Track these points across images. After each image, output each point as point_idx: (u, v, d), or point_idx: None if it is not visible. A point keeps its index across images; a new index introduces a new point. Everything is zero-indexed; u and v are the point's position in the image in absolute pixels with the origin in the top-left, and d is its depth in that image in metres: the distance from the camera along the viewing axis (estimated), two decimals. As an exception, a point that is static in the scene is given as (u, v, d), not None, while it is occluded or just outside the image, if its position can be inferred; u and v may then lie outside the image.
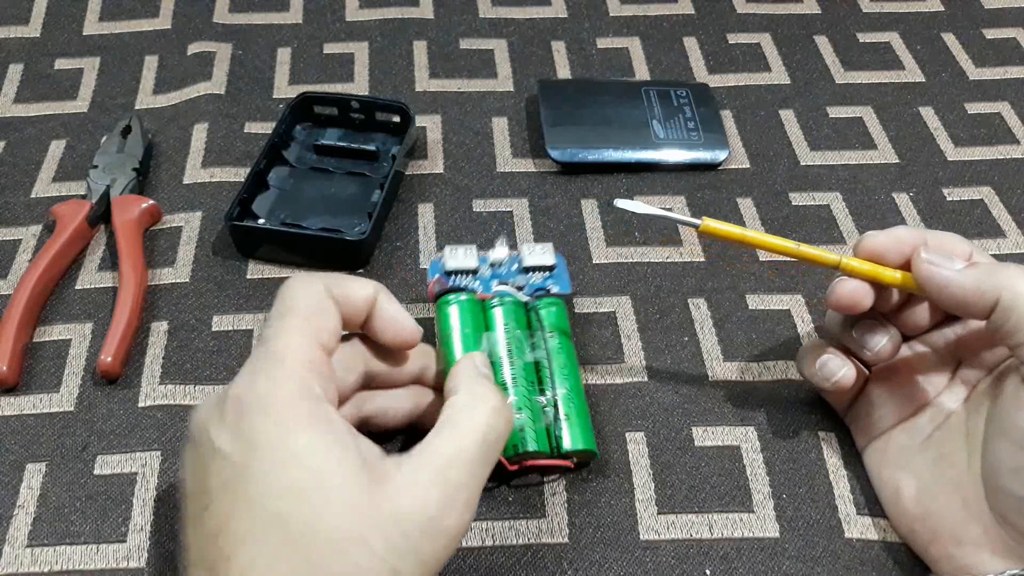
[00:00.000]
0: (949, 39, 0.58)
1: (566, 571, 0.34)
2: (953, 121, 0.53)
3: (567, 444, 0.35)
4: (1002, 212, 0.48)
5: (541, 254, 0.40)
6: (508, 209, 0.47)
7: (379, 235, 0.45)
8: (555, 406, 0.36)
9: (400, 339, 0.34)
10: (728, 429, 0.39)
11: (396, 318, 0.33)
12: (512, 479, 0.37)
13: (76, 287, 0.43)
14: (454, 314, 0.37)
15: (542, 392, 0.37)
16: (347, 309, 0.32)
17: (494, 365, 0.36)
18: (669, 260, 0.45)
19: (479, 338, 0.37)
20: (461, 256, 0.39)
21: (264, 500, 0.26)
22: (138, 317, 0.41)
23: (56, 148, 0.49)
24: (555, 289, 0.40)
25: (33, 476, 0.37)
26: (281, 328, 0.30)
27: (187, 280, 0.43)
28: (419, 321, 0.34)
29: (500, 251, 0.40)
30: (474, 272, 0.39)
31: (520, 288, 0.39)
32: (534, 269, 0.40)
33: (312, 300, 0.31)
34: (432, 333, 0.38)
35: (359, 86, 0.54)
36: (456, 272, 0.39)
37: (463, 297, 0.38)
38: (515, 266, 0.40)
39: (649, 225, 0.46)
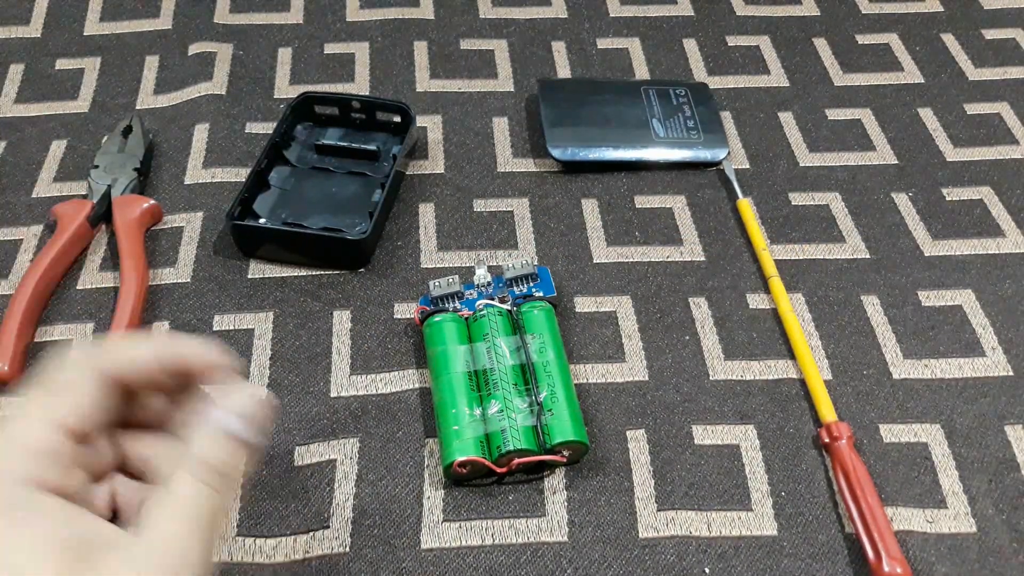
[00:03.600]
0: (948, 40, 0.58)
1: (565, 569, 0.35)
2: (952, 122, 0.53)
3: (553, 438, 0.36)
4: (1001, 212, 0.48)
5: (523, 267, 0.42)
6: (509, 209, 0.47)
7: (380, 234, 0.46)
8: (538, 404, 0.37)
9: (206, 365, 0.31)
10: (728, 428, 0.39)
11: (188, 349, 0.31)
12: (506, 479, 0.37)
13: (77, 287, 0.43)
14: (436, 332, 0.39)
15: (528, 392, 0.37)
16: (130, 375, 0.30)
17: (478, 373, 0.38)
18: (670, 259, 0.45)
19: (462, 351, 0.38)
20: (445, 286, 0.41)
21: None
22: (139, 317, 0.41)
23: (57, 148, 0.50)
24: (538, 293, 0.42)
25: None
26: (26, 405, 0.28)
27: (188, 280, 0.44)
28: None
29: (482, 275, 0.42)
30: (459, 296, 0.41)
31: (503, 300, 0.41)
32: (518, 281, 0.42)
33: (64, 376, 0.29)
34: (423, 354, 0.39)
35: (360, 86, 0.54)
36: (441, 298, 0.41)
37: (446, 316, 0.40)
38: (500, 284, 0.42)
39: (649, 224, 0.47)
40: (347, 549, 0.35)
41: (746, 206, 0.47)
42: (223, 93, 0.53)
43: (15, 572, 0.25)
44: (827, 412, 0.39)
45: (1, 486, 0.26)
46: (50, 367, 0.29)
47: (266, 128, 0.50)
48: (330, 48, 0.56)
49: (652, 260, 0.45)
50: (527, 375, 0.38)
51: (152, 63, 0.55)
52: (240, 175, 0.48)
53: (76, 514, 0.27)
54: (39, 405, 0.28)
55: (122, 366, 0.30)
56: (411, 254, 0.45)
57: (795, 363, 0.41)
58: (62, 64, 0.55)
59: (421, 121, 0.51)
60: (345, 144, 0.48)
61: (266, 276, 0.44)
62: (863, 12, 0.60)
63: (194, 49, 0.55)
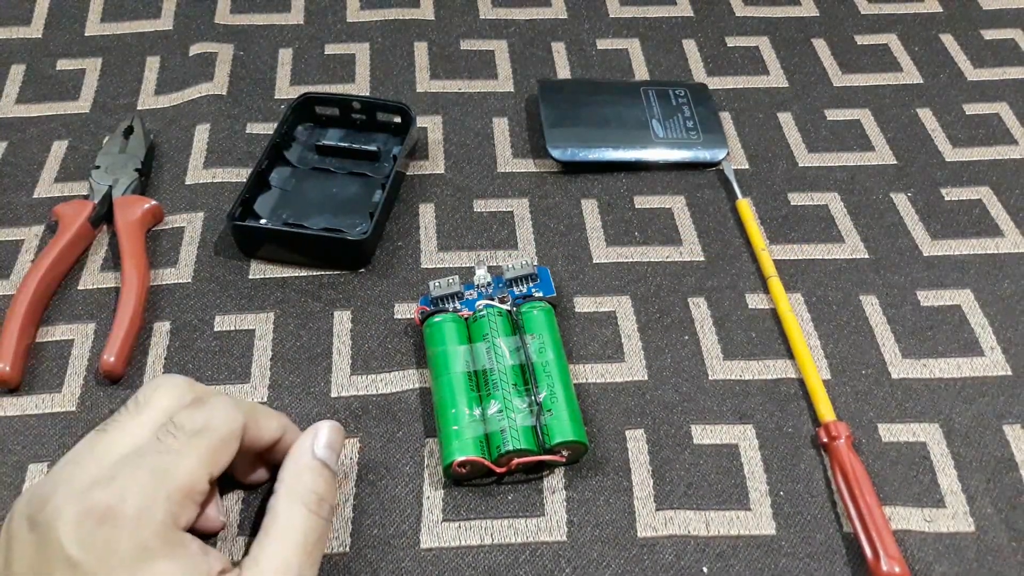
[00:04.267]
0: (947, 40, 0.58)
1: (564, 569, 0.35)
2: (951, 122, 0.53)
3: (553, 438, 0.36)
4: (1000, 212, 0.48)
5: (523, 267, 0.42)
6: (509, 209, 0.47)
7: (380, 235, 0.46)
8: (537, 404, 0.37)
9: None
10: (727, 427, 0.39)
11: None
12: (505, 479, 0.37)
13: (78, 287, 0.43)
14: (436, 332, 0.39)
15: (528, 392, 0.37)
16: (249, 441, 0.32)
17: (477, 374, 0.38)
18: (669, 259, 0.45)
19: (462, 351, 0.39)
20: (445, 286, 0.41)
21: None
22: (140, 317, 0.41)
23: (58, 148, 0.50)
24: (538, 294, 0.42)
25: (36, 477, 0.37)
26: (188, 447, 0.29)
27: (189, 280, 0.44)
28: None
29: (482, 275, 0.42)
30: (459, 296, 0.41)
31: (503, 300, 0.41)
32: (518, 281, 0.42)
33: (230, 429, 0.31)
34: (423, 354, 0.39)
35: (360, 87, 0.54)
36: (441, 298, 0.41)
37: (446, 316, 0.40)
38: (500, 285, 0.42)
39: (649, 225, 0.47)
40: (347, 549, 0.35)
41: (745, 206, 0.47)
42: (224, 94, 0.53)
43: None
44: (826, 412, 0.39)
45: (172, 529, 0.28)
46: (215, 412, 0.31)
47: (267, 128, 0.51)
48: (330, 49, 0.56)
49: (651, 260, 0.45)
50: (527, 375, 0.38)
51: (153, 64, 0.55)
52: (241, 175, 0.48)
53: (206, 549, 0.29)
54: (202, 451, 0.30)
55: (256, 437, 0.32)
56: (411, 254, 0.45)
57: (794, 363, 0.41)
58: (63, 64, 0.55)
59: (421, 121, 0.52)
60: (346, 145, 0.49)
61: (267, 276, 0.44)
62: (862, 13, 0.60)
63: (195, 50, 0.55)
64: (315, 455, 0.32)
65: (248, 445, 0.32)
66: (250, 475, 0.35)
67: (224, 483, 0.36)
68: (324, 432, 0.33)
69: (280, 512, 0.30)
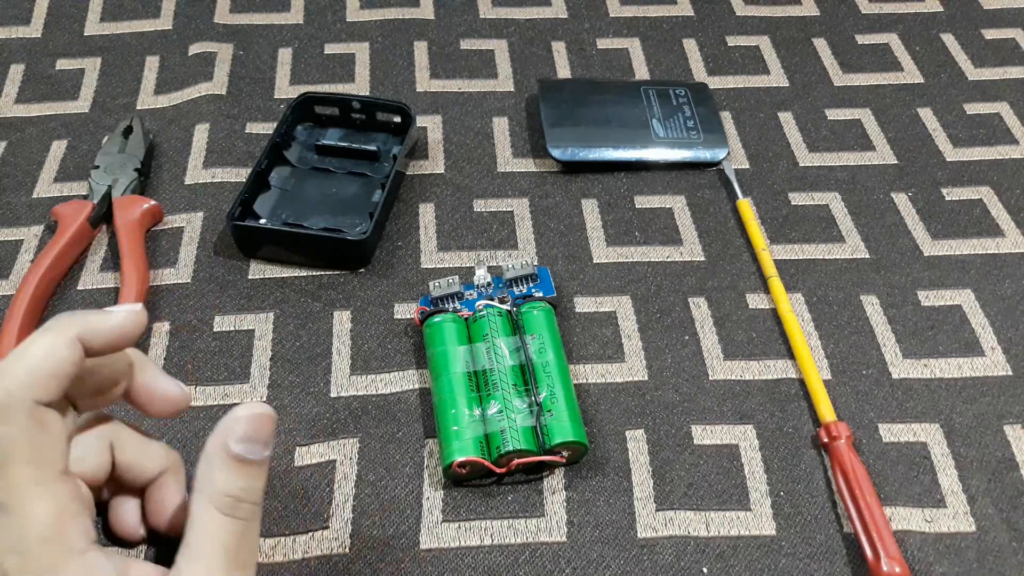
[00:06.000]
0: (948, 39, 0.58)
1: (564, 569, 0.35)
2: (952, 122, 0.53)
3: (553, 438, 0.36)
4: (1001, 212, 0.48)
5: (523, 267, 0.42)
6: (509, 209, 0.47)
7: (380, 235, 0.46)
8: (537, 405, 0.37)
9: (170, 402, 0.31)
10: (727, 428, 0.39)
11: (159, 380, 0.31)
12: (505, 479, 0.37)
13: (78, 288, 0.43)
14: (436, 333, 0.39)
15: (528, 393, 0.37)
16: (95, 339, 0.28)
17: (477, 374, 0.38)
18: (669, 259, 0.45)
19: (462, 352, 0.39)
20: (445, 286, 0.41)
21: None
22: (140, 317, 0.41)
23: (57, 148, 0.50)
24: (538, 294, 0.42)
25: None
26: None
27: (189, 280, 0.44)
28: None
29: (482, 275, 0.42)
30: (459, 296, 0.41)
31: (503, 300, 0.41)
32: (518, 281, 0.42)
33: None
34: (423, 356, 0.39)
35: (360, 86, 0.54)
36: (441, 299, 0.41)
37: (446, 316, 0.40)
38: (500, 285, 0.42)
39: (649, 224, 0.47)
40: (347, 550, 0.35)
41: (746, 206, 0.47)
42: (223, 93, 0.53)
43: None
44: (826, 412, 0.39)
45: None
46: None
47: (266, 128, 0.51)
48: (330, 48, 0.56)
49: (652, 260, 0.45)
50: (527, 375, 0.38)
51: (152, 63, 0.55)
52: (240, 175, 0.48)
53: (127, 561, 0.28)
54: (33, 351, 0.27)
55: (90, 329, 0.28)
56: (411, 254, 0.45)
57: (794, 363, 0.41)
58: (62, 64, 0.55)
59: (421, 121, 0.52)
60: (345, 144, 0.48)
61: (266, 276, 0.44)
62: (863, 12, 0.60)
63: (194, 49, 0.55)
64: (229, 451, 0.28)
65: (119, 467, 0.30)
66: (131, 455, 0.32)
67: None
68: (241, 424, 0.28)
69: (195, 518, 0.28)
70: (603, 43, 0.57)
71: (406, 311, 0.43)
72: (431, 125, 0.52)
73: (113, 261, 0.44)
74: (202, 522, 0.28)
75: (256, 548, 0.30)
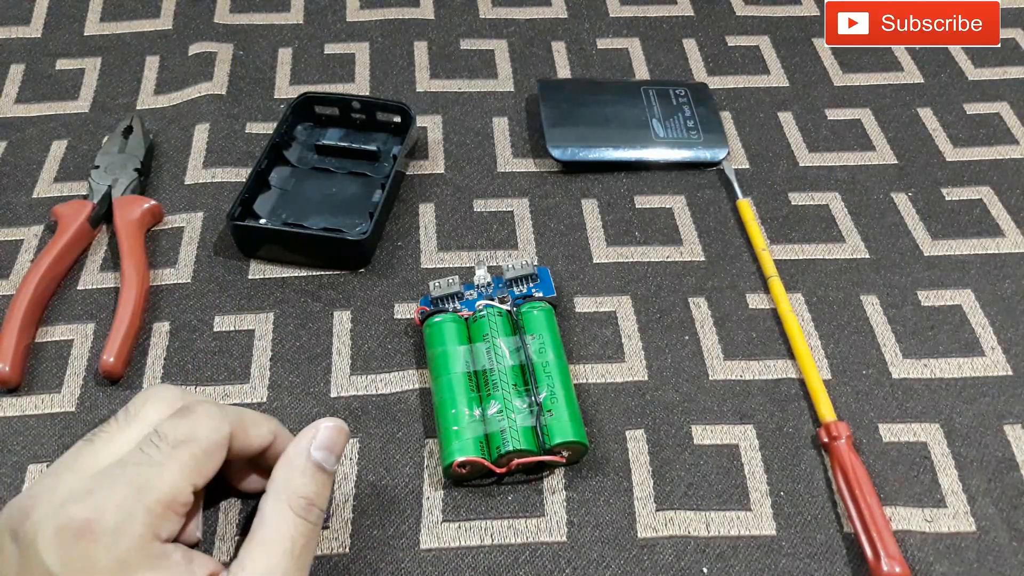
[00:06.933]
0: (948, 39, 0.58)
1: (564, 569, 0.35)
2: (952, 122, 0.53)
3: (553, 438, 0.36)
4: (1001, 212, 0.48)
5: (523, 267, 0.42)
6: (509, 209, 0.47)
7: (380, 235, 0.46)
8: (537, 405, 0.37)
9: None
10: (727, 428, 0.39)
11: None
12: (505, 479, 0.37)
13: (78, 287, 0.43)
14: (436, 333, 0.39)
15: (528, 393, 0.37)
16: (237, 449, 0.32)
17: (477, 374, 0.38)
18: (669, 259, 0.45)
19: (462, 352, 0.39)
20: (445, 286, 0.41)
21: None
22: (140, 317, 0.41)
23: (58, 148, 0.50)
24: (538, 294, 0.42)
25: (35, 477, 0.37)
26: (170, 458, 0.29)
27: (189, 280, 0.44)
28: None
29: (482, 275, 0.42)
30: (459, 296, 0.41)
31: (503, 300, 0.41)
32: (518, 281, 0.42)
33: (214, 438, 0.30)
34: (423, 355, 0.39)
35: (360, 86, 0.54)
36: (442, 299, 0.41)
37: (446, 316, 0.40)
38: (500, 285, 0.42)
39: (649, 224, 0.47)
40: (347, 549, 0.35)
41: (746, 206, 0.47)
42: (223, 93, 0.53)
43: None
44: (826, 412, 0.39)
45: (152, 540, 0.28)
46: (199, 420, 0.30)
47: (266, 128, 0.51)
48: (330, 48, 0.56)
49: (652, 260, 0.45)
50: (527, 375, 0.38)
51: (152, 63, 0.55)
52: (240, 175, 0.48)
53: (191, 556, 0.29)
54: (185, 462, 0.29)
55: (245, 444, 0.32)
56: (411, 254, 0.45)
57: (794, 363, 0.41)
58: (62, 64, 0.55)
59: (421, 121, 0.52)
60: (345, 144, 0.48)
61: (266, 276, 0.44)
62: (863, 12, 0.60)
63: (194, 49, 0.55)
64: (310, 457, 0.31)
65: (237, 452, 0.32)
66: (243, 482, 0.35)
67: (220, 490, 0.35)
68: (322, 432, 0.31)
69: (267, 516, 0.30)
70: (603, 43, 0.57)
71: (406, 311, 0.43)
72: (431, 125, 0.52)
73: (113, 261, 0.44)
74: (275, 520, 0.30)
75: (313, 556, 0.31)
